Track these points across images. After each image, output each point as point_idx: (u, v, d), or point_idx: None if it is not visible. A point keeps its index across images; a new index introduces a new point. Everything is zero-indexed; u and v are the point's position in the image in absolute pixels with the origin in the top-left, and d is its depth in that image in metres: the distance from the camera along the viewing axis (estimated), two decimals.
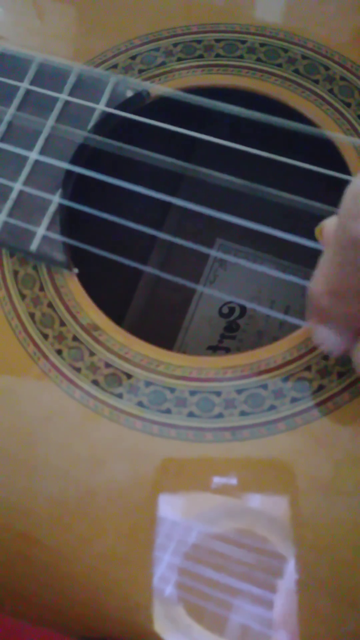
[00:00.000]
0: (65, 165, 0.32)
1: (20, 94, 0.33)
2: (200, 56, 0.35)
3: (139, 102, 0.34)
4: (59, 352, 0.30)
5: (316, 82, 0.33)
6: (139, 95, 0.33)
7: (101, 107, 0.33)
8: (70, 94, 0.33)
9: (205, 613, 0.25)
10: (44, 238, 0.31)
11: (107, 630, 0.27)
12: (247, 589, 0.25)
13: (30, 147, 0.32)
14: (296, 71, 0.33)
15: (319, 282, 0.24)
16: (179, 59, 0.35)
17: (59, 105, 0.33)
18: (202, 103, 0.30)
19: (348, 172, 0.30)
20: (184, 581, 0.26)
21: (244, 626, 0.25)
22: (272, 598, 0.25)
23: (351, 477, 0.26)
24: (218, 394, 0.28)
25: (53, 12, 0.38)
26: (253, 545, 0.26)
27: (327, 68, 0.33)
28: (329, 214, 0.25)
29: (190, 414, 0.28)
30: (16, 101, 0.33)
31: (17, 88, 0.33)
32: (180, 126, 0.31)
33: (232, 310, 0.43)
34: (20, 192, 0.32)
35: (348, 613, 0.25)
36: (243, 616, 0.25)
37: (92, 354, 0.29)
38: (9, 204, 0.31)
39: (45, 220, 0.31)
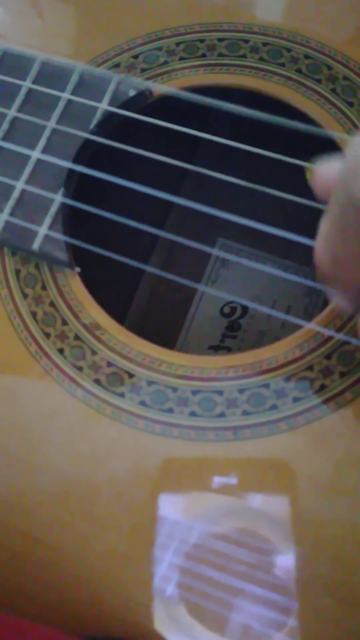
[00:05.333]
0: (68, 164, 0.32)
1: (22, 93, 0.33)
2: (203, 55, 0.35)
3: (142, 101, 0.34)
4: (61, 351, 0.30)
5: (319, 81, 0.33)
6: (142, 95, 0.33)
7: (103, 106, 0.33)
8: (73, 93, 0.33)
9: (206, 612, 0.25)
10: (46, 237, 0.31)
11: (108, 629, 0.27)
12: (248, 588, 0.25)
13: (32, 146, 0.32)
14: (299, 70, 0.33)
15: (320, 248, 0.22)
16: (182, 58, 0.35)
17: (61, 105, 0.33)
18: (205, 102, 0.30)
19: None
20: (186, 580, 0.26)
21: (245, 625, 0.25)
22: (273, 597, 0.25)
23: (352, 477, 0.26)
24: (220, 393, 0.28)
25: (55, 11, 0.38)
26: (254, 544, 0.26)
27: (329, 67, 0.33)
28: None
29: (192, 414, 0.28)
30: (19, 100, 0.33)
31: (19, 87, 0.33)
32: (183, 125, 0.31)
33: (233, 309, 0.43)
34: (23, 191, 0.32)
35: (349, 612, 0.25)
36: (244, 616, 0.25)
37: (94, 353, 0.29)
38: (11, 202, 0.31)
39: (48, 219, 0.31)
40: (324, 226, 0.22)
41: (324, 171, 0.23)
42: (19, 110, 0.33)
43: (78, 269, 0.31)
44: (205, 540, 0.26)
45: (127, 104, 0.33)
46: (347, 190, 0.20)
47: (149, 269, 0.33)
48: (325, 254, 0.22)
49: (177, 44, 0.35)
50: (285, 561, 0.25)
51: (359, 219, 0.20)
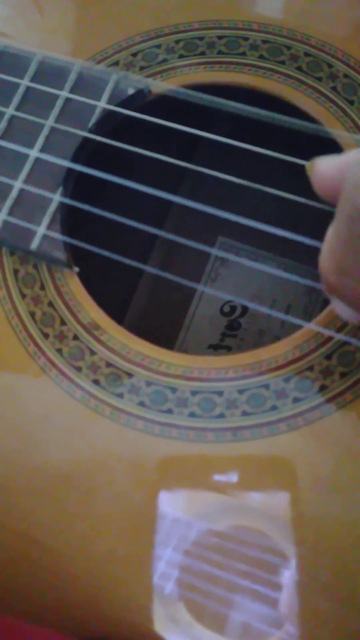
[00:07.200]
0: (66, 163, 0.31)
1: (20, 92, 0.33)
2: (202, 53, 0.34)
3: (140, 100, 0.33)
4: (60, 351, 0.29)
5: (319, 79, 0.33)
6: (141, 93, 0.33)
7: (102, 104, 0.32)
8: (71, 91, 0.33)
9: (206, 611, 0.25)
10: (45, 237, 0.30)
11: (108, 630, 0.27)
12: (248, 587, 0.25)
13: (30, 145, 0.32)
14: (299, 68, 0.33)
15: (325, 259, 0.22)
16: (181, 56, 0.35)
17: (59, 103, 0.33)
18: (204, 100, 0.29)
19: None
20: (185, 580, 0.26)
21: (245, 624, 0.25)
22: (273, 596, 0.25)
23: (353, 478, 0.26)
24: (220, 394, 0.28)
25: (53, 9, 0.38)
26: (254, 544, 0.26)
27: (330, 65, 0.33)
28: (331, 212, 0.25)
29: (192, 414, 0.28)
30: (17, 98, 0.33)
31: (17, 85, 0.33)
32: (182, 124, 0.31)
33: (233, 308, 0.43)
34: (21, 191, 0.31)
35: (349, 613, 0.25)
36: (244, 614, 0.25)
37: (92, 353, 0.29)
38: (9, 202, 0.31)
39: (46, 219, 0.31)
40: (330, 235, 0.22)
41: (323, 168, 0.23)
42: (17, 108, 0.33)
43: (77, 269, 0.31)
44: (204, 539, 0.26)
45: (126, 103, 0.33)
46: (352, 200, 0.20)
47: (148, 268, 0.33)
48: (331, 262, 0.22)
49: (176, 42, 0.35)
50: (285, 561, 0.25)
51: None
